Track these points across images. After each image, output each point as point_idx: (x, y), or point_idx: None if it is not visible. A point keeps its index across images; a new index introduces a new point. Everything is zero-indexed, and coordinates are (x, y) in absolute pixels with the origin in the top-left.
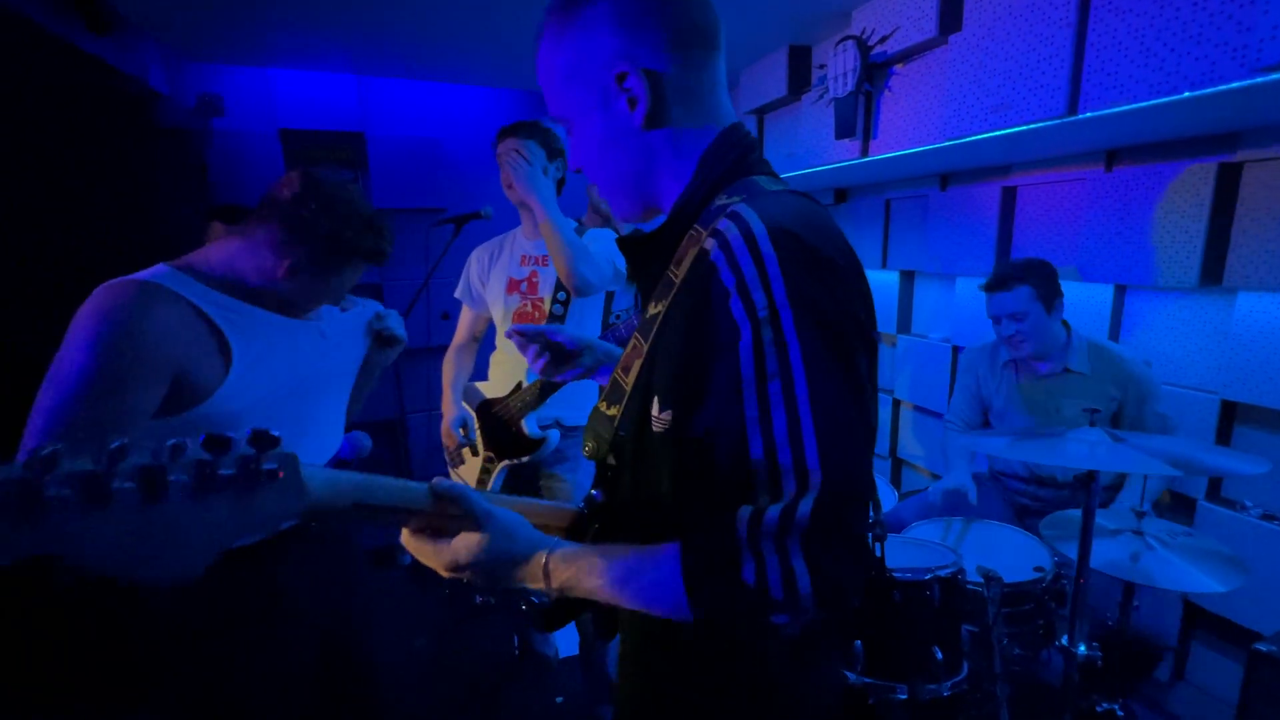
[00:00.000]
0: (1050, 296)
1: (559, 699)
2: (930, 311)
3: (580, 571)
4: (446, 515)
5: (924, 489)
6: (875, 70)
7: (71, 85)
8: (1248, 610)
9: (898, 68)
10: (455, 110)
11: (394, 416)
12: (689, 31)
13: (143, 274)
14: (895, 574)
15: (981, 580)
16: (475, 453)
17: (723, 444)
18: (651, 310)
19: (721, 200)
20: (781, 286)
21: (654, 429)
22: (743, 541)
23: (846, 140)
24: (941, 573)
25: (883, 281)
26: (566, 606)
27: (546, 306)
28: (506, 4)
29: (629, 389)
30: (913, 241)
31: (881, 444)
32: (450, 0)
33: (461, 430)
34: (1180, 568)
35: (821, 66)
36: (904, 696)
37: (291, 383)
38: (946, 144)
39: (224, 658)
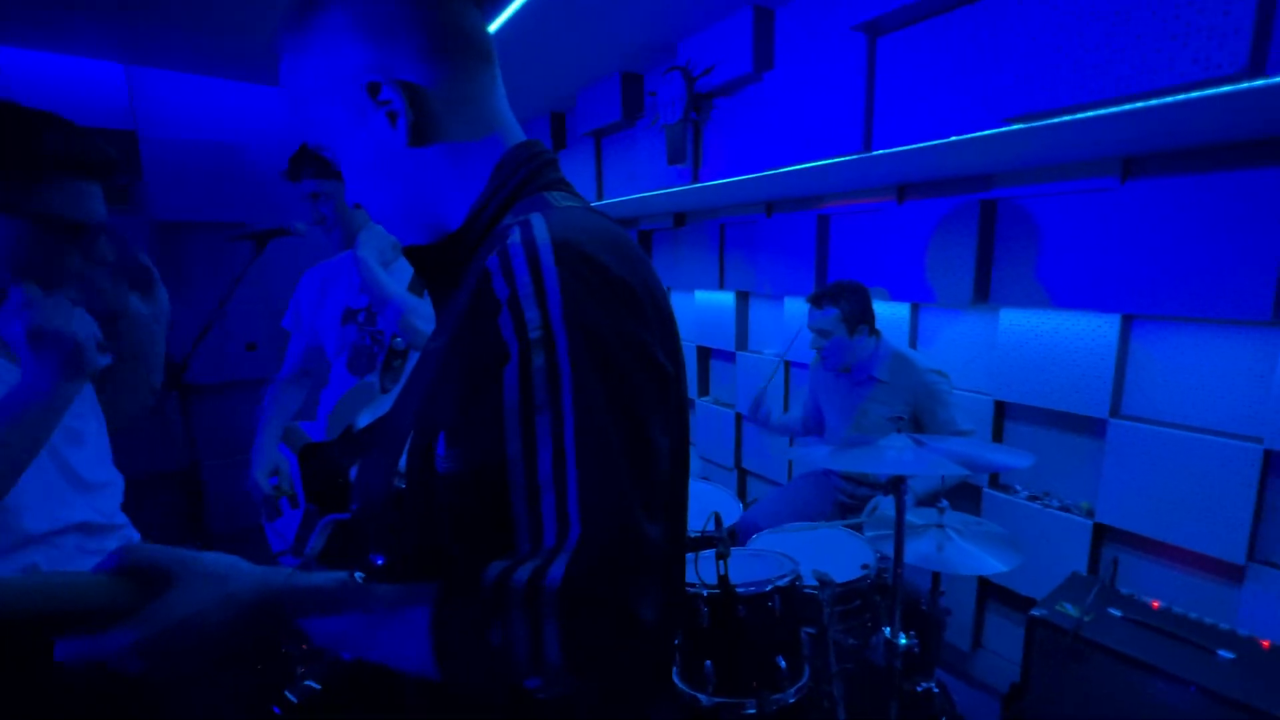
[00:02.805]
0: (854, 320)
1: None
2: (764, 329)
3: (321, 605)
4: (144, 593)
5: (757, 499)
6: (701, 100)
7: None
8: (1026, 581)
9: (722, 99)
10: (258, 113)
11: (183, 467)
12: (452, 38)
13: None
14: (739, 589)
15: (817, 584)
16: (294, 505)
17: (486, 484)
18: (435, 339)
19: (509, 221)
20: (559, 305)
21: (440, 470)
22: (489, 602)
23: (679, 166)
24: (781, 582)
25: (720, 302)
26: (343, 687)
27: (387, 339)
28: None
29: (407, 429)
30: (746, 264)
31: (725, 456)
32: None
33: (276, 477)
34: (974, 554)
35: (652, 94)
36: (753, 711)
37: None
38: (765, 174)
39: None
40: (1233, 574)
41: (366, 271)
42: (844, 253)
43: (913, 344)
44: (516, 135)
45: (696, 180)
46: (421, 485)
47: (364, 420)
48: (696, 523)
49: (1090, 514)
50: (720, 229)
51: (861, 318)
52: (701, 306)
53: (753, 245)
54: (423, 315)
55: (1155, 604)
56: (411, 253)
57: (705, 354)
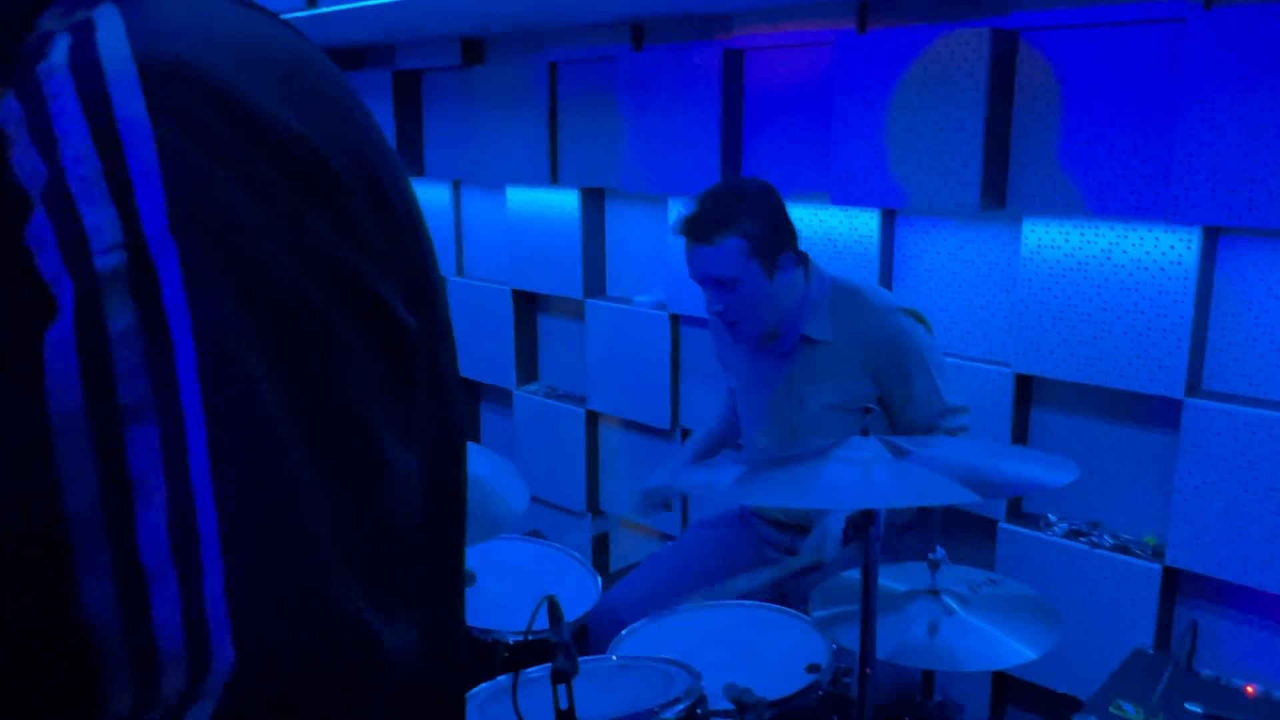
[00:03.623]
0: (773, 252)
1: None
2: (635, 257)
3: None
4: None
5: (637, 564)
6: None
7: None
8: (1062, 670)
9: None
10: None
11: None
12: None
13: None
14: None
15: (733, 707)
16: None
17: (17, 576)
18: None
19: (50, 24)
20: (159, 198)
21: None
22: None
23: None
24: (669, 713)
25: (554, 208)
26: None
27: None
28: None
29: None
30: (598, 137)
31: (571, 491)
32: None
33: None
34: (986, 635)
35: None
36: None
37: None
38: None
39: None
40: None
41: None
42: (768, 118)
43: (885, 279)
44: None
45: None
46: None
47: None
48: (513, 618)
49: (1159, 553)
50: (550, 72)
51: (781, 239)
52: (519, 217)
53: (610, 102)
54: None
55: (1250, 689)
56: None
57: (528, 304)
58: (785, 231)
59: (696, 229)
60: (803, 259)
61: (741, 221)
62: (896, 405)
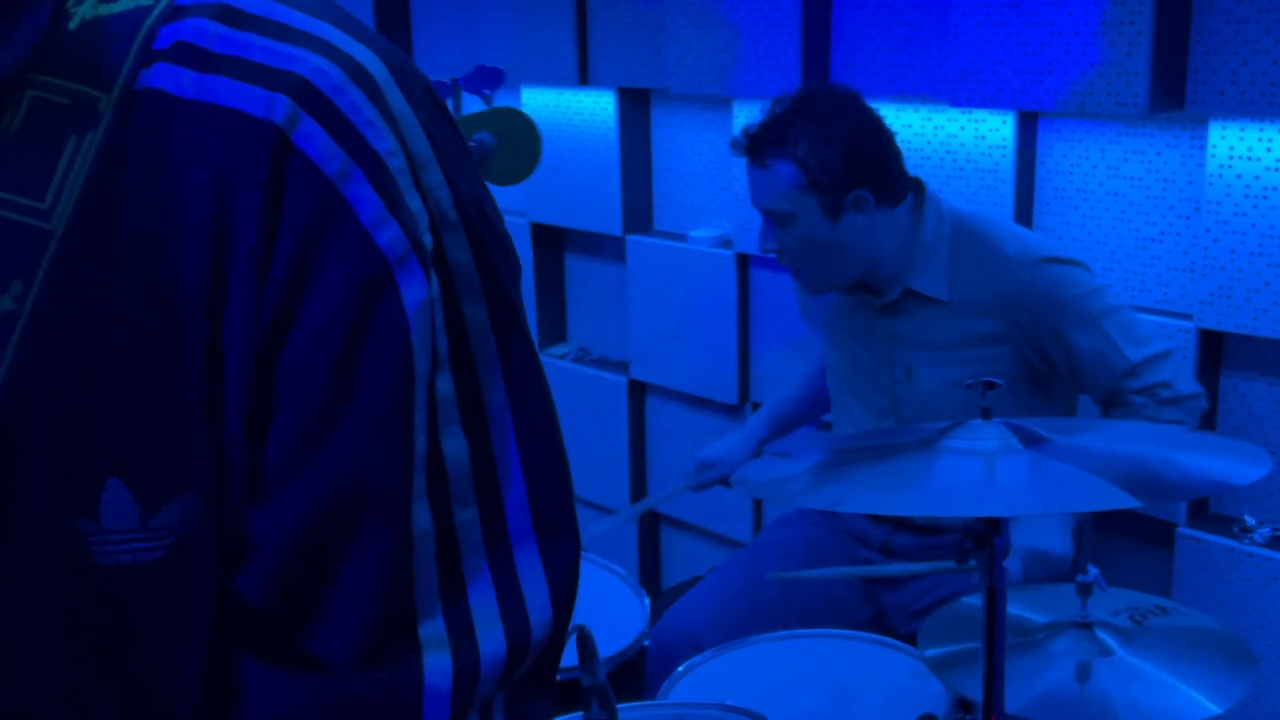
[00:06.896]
0: (838, 186)
1: None
2: (690, 184)
3: None
4: None
5: (697, 579)
6: None
7: None
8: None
9: None
10: None
11: None
12: None
13: None
14: None
15: None
16: None
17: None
18: None
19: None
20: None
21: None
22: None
23: None
24: None
25: (585, 117)
26: None
27: None
28: None
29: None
30: (641, 23)
31: (614, 492)
32: None
33: None
34: (1154, 682)
35: None
36: None
37: None
38: None
39: None
40: None
41: None
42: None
43: (1023, 204)
44: None
45: None
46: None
47: None
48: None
49: None
50: None
51: (855, 171)
52: (538, 127)
53: None
54: None
55: None
56: None
57: (551, 242)
58: (867, 160)
59: (749, 145)
60: (906, 191)
61: (799, 142)
62: (1066, 376)
